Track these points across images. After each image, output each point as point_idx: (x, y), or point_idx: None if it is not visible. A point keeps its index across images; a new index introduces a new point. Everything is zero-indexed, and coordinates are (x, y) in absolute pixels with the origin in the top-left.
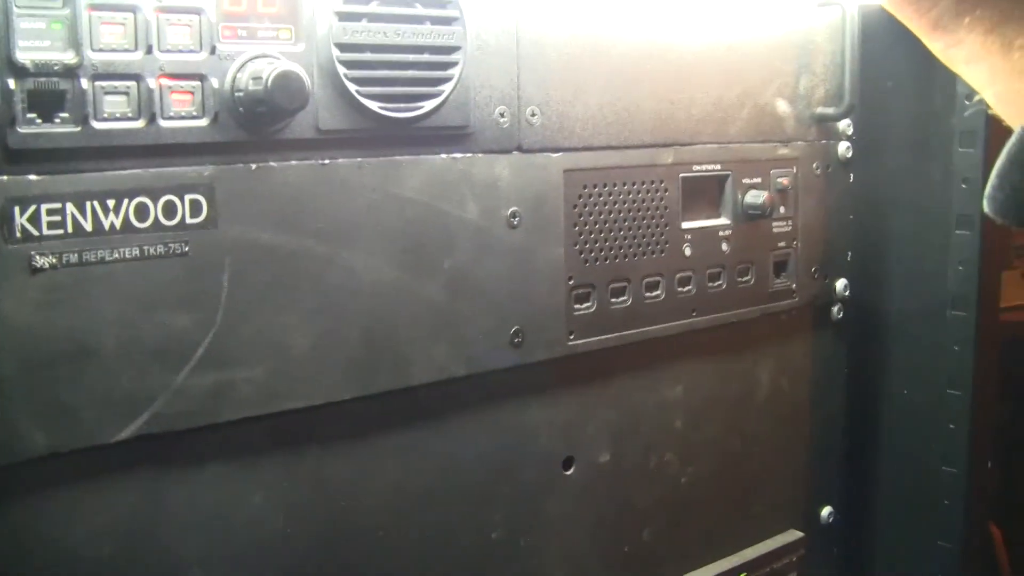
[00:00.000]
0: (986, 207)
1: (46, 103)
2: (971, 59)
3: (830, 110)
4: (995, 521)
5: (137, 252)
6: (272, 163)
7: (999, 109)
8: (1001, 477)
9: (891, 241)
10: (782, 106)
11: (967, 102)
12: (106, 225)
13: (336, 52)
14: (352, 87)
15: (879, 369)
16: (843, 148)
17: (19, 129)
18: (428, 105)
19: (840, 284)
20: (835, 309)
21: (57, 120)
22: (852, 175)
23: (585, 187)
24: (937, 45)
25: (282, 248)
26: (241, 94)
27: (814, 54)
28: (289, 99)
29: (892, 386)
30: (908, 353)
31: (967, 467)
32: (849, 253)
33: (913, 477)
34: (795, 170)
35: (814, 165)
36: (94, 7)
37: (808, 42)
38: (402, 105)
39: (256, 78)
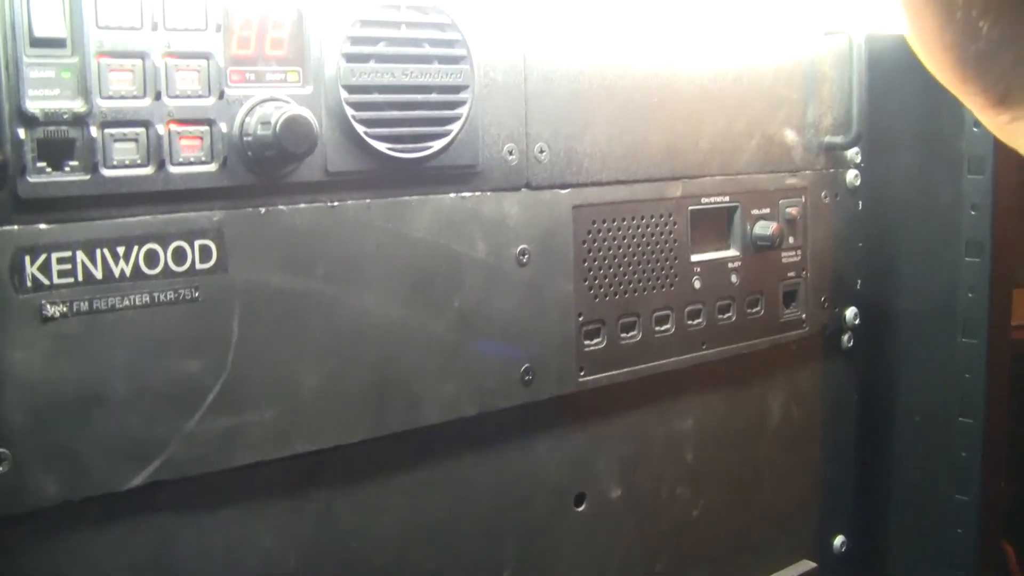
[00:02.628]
0: None
1: (56, 152)
2: None
3: (838, 139)
4: (1008, 539)
5: (148, 299)
6: (281, 206)
7: None
8: (1013, 494)
9: (901, 269)
10: (790, 136)
11: (975, 129)
12: (116, 272)
13: (344, 94)
14: (360, 129)
15: (890, 397)
16: (851, 176)
17: (29, 178)
18: (436, 145)
19: (850, 312)
20: (845, 338)
21: (67, 168)
22: (860, 203)
23: (594, 222)
24: (1001, 119)
25: (292, 291)
26: (250, 139)
27: (821, 83)
28: (297, 144)
29: (903, 414)
30: (919, 381)
31: (979, 495)
32: (859, 281)
33: (926, 505)
34: (804, 199)
35: (823, 194)
36: (103, 54)
37: (815, 71)
38: (410, 145)
39: (264, 123)
